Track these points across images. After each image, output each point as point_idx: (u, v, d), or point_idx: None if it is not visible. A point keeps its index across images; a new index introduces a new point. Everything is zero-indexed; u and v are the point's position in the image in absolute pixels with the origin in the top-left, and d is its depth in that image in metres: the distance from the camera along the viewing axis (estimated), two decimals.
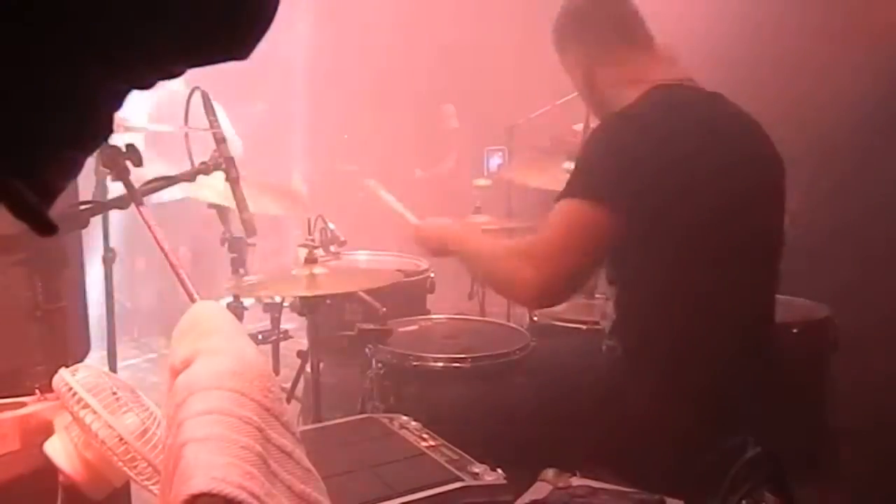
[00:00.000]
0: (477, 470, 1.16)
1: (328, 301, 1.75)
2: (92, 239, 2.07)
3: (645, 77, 1.52)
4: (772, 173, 1.52)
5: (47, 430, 1.20)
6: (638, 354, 1.48)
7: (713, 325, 1.41)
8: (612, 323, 1.55)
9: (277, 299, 2.39)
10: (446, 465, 1.18)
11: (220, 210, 2.04)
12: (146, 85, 0.41)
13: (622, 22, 1.59)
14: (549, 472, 1.14)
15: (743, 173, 1.46)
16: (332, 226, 2.42)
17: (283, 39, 6.15)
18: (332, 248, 2.45)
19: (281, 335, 2.41)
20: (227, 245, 2.10)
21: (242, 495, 0.67)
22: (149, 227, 1.44)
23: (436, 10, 5.80)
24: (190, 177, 1.69)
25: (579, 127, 2.84)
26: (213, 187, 1.93)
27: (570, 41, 1.64)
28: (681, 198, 1.38)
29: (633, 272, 1.49)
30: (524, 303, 1.51)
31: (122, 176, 1.44)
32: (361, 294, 2.07)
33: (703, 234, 1.40)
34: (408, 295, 2.36)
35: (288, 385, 2.43)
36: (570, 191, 1.42)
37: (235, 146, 4.62)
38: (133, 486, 1.19)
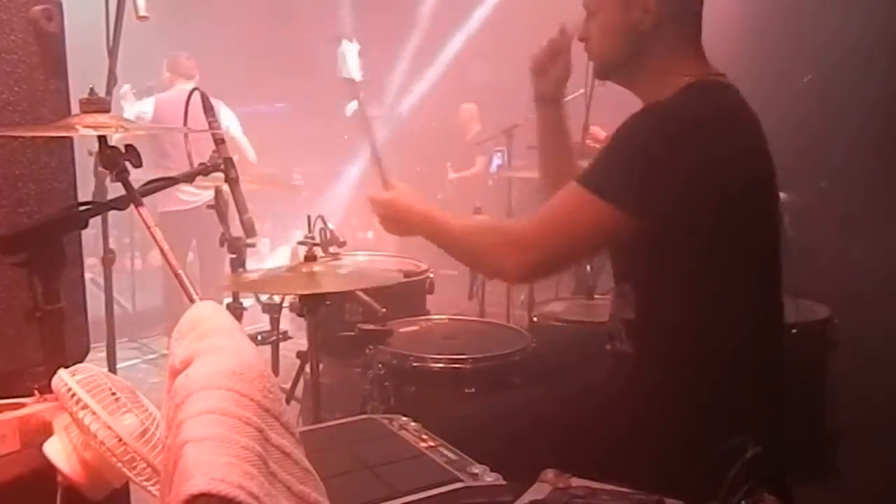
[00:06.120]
0: (476, 471, 1.15)
1: (328, 302, 1.75)
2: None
3: (681, 69, 1.44)
4: (772, 171, 1.50)
5: (46, 431, 1.20)
6: (647, 355, 1.47)
7: (722, 325, 1.40)
8: (630, 322, 1.51)
9: (276, 300, 2.39)
10: (446, 465, 1.18)
11: (220, 211, 2.04)
12: None
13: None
14: (549, 473, 1.14)
15: (759, 175, 1.44)
16: (331, 226, 2.43)
17: (295, 40, 6.18)
18: (332, 249, 2.45)
19: (280, 336, 2.41)
20: (226, 245, 2.10)
21: (242, 495, 0.67)
22: (148, 228, 1.44)
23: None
24: (189, 178, 1.69)
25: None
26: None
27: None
28: (709, 201, 1.33)
29: (653, 272, 1.45)
30: (504, 280, 1.66)
31: (121, 177, 1.44)
32: (361, 294, 2.08)
33: (725, 237, 1.36)
34: (408, 295, 2.36)
35: (287, 386, 2.43)
36: (585, 179, 1.38)
37: (248, 154, 4.66)
38: (132, 487, 1.18)
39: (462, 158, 6.44)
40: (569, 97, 1.98)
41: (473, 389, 1.77)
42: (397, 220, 1.63)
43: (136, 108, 4.41)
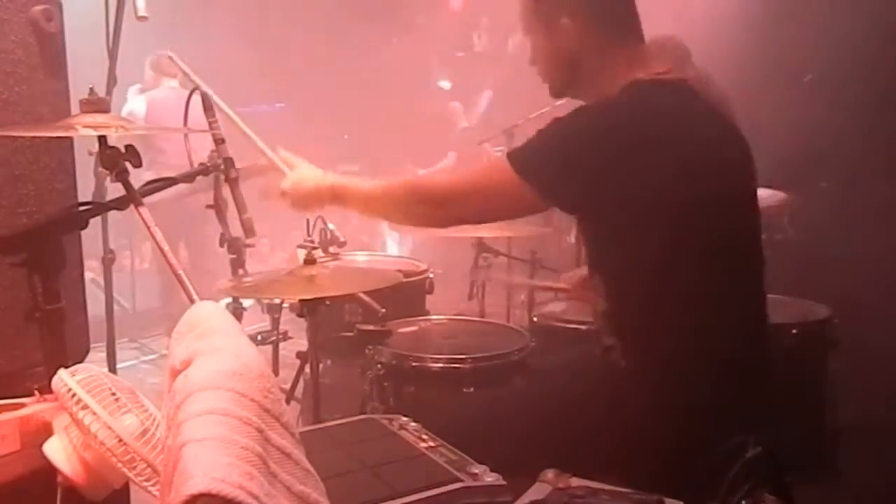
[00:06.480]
0: (476, 471, 1.15)
1: (328, 302, 1.75)
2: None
3: (622, 73, 1.47)
4: (727, 167, 1.49)
5: (47, 431, 1.20)
6: (635, 351, 1.48)
7: (709, 322, 1.40)
8: (605, 315, 1.53)
9: (277, 300, 2.39)
10: (446, 465, 1.18)
11: (219, 210, 2.04)
12: None
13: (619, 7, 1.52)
14: (549, 473, 1.14)
15: (705, 169, 1.42)
16: (331, 226, 2.43)
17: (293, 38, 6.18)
18: (332, 249, 2.45)
19: (280, 336, 2.41)
20: (226, 246, 2.10)
21: (242, 495, 0.67)
22: (148, 229, 1.44)
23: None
24: (189, 178, 1.69)
25: None
26: None
27: (560, 12, 1.50)
28: (647, 196, 1.36)
29: (612, 263, 1.48)
30: (422, 227, 1.85)
31: (121, 177, 1.44)
32: (361, 295, 2.07)
33: (681, 231, 1.38)
34: (407, 296, 2.36)
35: (287, 386, 2.43)
36: (514, 156, 1.44)
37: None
38: (132, 487, 1.18)
39: (436, 154, 6.39)
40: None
41: (473, 389, 1.77)
42: (307, 196, 1.68)
43: (127, 106, 4.42)
